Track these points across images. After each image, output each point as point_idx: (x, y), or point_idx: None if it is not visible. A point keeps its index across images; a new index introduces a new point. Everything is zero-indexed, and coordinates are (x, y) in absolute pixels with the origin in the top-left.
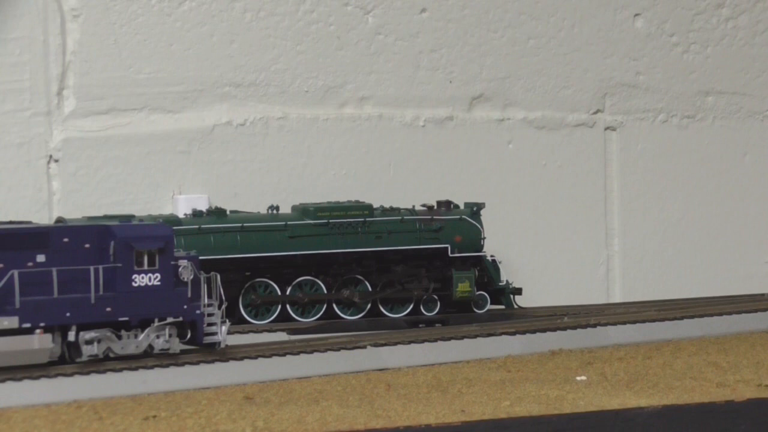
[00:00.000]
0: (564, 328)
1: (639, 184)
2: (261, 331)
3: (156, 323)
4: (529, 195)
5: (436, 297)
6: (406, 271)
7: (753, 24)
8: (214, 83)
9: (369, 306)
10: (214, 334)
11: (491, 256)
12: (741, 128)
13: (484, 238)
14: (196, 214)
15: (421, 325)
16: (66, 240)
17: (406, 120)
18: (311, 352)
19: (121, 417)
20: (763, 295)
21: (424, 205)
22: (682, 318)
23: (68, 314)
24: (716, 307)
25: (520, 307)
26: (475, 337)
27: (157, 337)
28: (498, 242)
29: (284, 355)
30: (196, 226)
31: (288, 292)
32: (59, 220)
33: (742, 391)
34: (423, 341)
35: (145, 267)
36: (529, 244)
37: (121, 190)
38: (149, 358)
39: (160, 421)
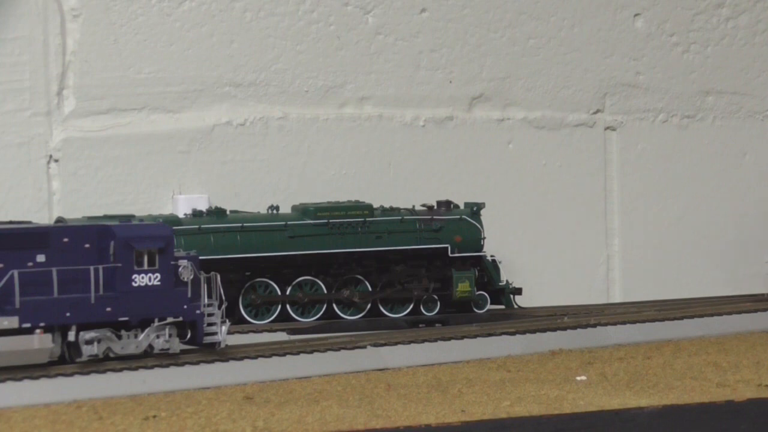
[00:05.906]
0: (564, 328)
1: (639, 184)
2: (261, 331)
3: (156, 323)
4: (529, 195)
5: (436, 297)
6: (406, 271)
7: (753, 24)
8: (214, 83)
9: (369, 306)
10: (214, 334)
11: (491, 256)
12: (741, 128)
13: (484, 238)
14: (196, 214)
15: (421, 325)
16: (66, 240)
17: (406, 120)
18: (311, 352)
19: (121, 417)
20: (763, 295)
21: (424, 205)
22: (682, 318)
23: (68, 314)
24: (716, 307)
25: (520, 307)
26: (475, 337)
27: (157, 337)
28: (498, 242)
29: (284, 355)
30: (196, 226)
31: (288, 292)
32: (59, 220)
33: (742, 391)
34: (423, 341)
35: (145, 267)
36: (529, 244)
37: (121, 190)
38: (149, 358)
39: (160, 421)
